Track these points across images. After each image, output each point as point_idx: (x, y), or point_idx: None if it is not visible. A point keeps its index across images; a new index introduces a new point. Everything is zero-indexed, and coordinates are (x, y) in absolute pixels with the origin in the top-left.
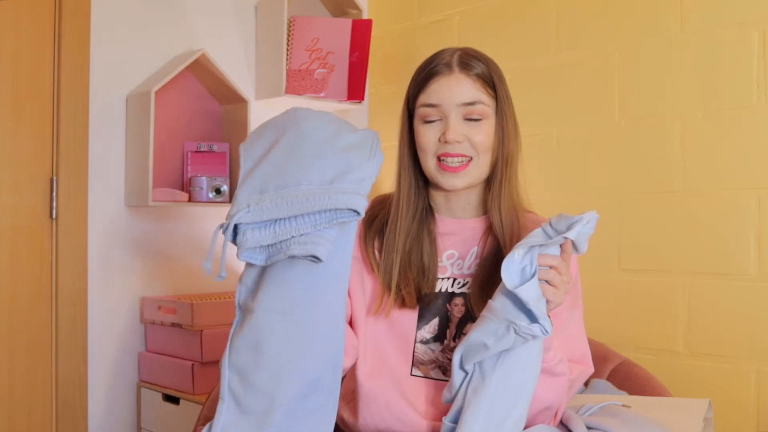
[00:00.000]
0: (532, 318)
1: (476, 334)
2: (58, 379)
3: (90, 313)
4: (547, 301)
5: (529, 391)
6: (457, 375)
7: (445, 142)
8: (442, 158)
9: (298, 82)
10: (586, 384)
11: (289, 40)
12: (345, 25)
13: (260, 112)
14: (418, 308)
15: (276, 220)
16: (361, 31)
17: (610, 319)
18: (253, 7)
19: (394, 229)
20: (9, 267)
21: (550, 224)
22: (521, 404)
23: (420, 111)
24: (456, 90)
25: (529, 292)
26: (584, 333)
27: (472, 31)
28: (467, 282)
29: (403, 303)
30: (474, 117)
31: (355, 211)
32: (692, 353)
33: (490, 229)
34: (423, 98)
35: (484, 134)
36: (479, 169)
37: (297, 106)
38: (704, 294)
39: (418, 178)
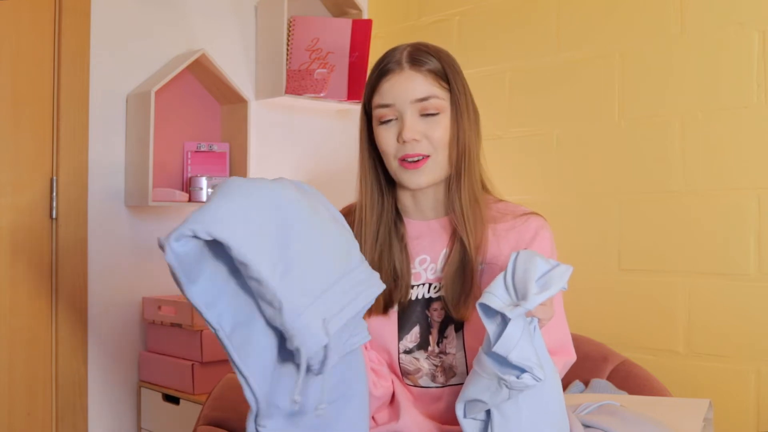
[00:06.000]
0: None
1: (471, 390)
2: (58, 379)
3: (90, 313)
4: (539, 320)
5: (560, 399)
6: (466, 425)
7: (403, 142)
8: (402, 159)
9: (298, 82)
10: (586, 384)
11: (289, 40)
12: (345, 25)
13: (260, 112)
14: (396, 318)
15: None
16: (361, 31)
17: (610, 319)
18: (253, 7)
19: (360, 235)
20: (9, 267)
21: (513, 276)
22: (559, 413)
23: (376, 112)
24: (407, 86)
25: (519, 352)
26: (564, 318)
27: (472, 31)
28: (442, 285)
29: (370, 311)
30: (430, 112)
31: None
32: (692, 353)
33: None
34: (377, 99)
35: (441, 129)
36: (439, 166)
37: (278, 193)
38: (704, 294)
39: (381, 181)
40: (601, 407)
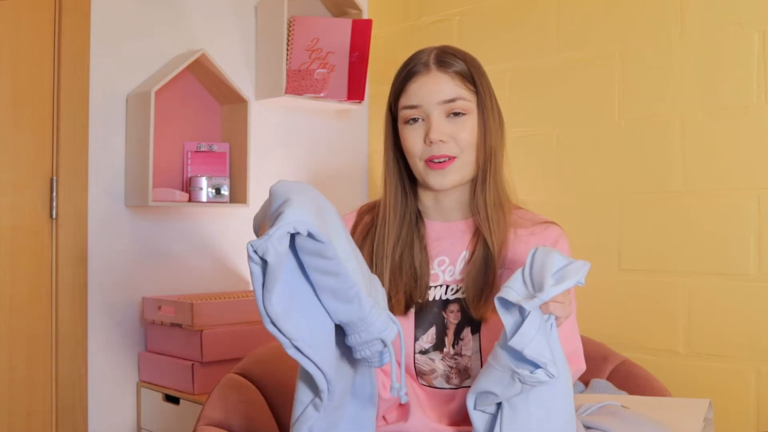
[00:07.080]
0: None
1: (483, 382)
2: (58, 379)
3: (90, 313)
4: (556, 317)
5: (569, 400)
6: (475, 416)
7: (430, 143)
8: (429, 160)
9: (298, 82)
10: (586, 384)
11: (289, 40)
12: (345, 25)
13: (260, 112)
14: (413, 318)
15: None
16: (361, 31)
17: (610, 319)
18: (253, 7)
19: (383, 234)
20: (9, 267)
21: (530, 271)
22: (568, 413)
23: (402, 113)
24: (435, 88)
25: (534, 348)
26: (576, 330)
27: (472, 31)
28: (460, 287)
29: (391, 311)
30: (457, 113)
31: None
32: (692, 353)
33: (479, 229)
34: (404, 100)
35: (468, 131)
36: (465, 167)
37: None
38: (704, 294)
39: (405, 182)
40: (601, 408)
